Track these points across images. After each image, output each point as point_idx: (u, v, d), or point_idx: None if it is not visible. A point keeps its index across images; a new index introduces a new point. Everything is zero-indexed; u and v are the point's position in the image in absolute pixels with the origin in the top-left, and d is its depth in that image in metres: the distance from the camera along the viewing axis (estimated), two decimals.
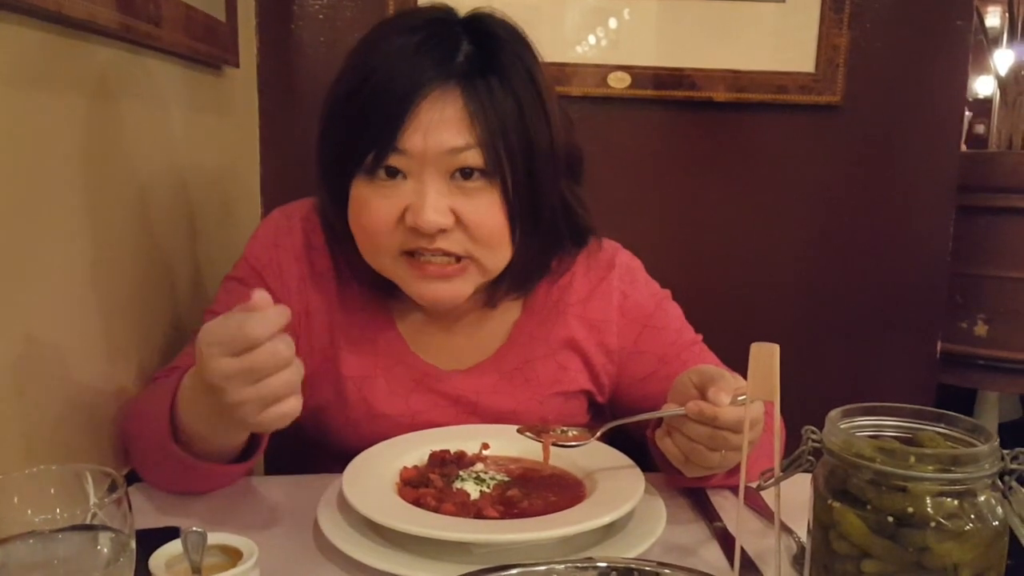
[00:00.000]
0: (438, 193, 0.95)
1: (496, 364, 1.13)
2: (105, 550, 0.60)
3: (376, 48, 0.98)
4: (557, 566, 0.73)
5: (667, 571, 0.72)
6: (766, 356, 0.71)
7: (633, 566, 0.72)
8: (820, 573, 0.70)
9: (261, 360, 0.76)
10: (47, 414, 0.91)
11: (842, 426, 0.70)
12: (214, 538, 0.71)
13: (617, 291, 1.14)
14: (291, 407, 0.79)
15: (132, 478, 1.01)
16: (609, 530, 0.87)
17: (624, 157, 1.80)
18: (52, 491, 0.62)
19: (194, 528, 0.67)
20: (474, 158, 0.95)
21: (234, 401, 0.78)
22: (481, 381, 1.12)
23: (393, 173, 0.96)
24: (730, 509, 0.98)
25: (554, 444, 0.93)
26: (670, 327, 1.16)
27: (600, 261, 1.16)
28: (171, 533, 0.90)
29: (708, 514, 0.97)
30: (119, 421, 1.04)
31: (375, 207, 0.97)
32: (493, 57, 0.97)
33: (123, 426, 1.04)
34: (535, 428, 0.95)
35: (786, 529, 0.91)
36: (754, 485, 0.77)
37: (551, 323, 1.13)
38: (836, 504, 0.67)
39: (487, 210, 0.97)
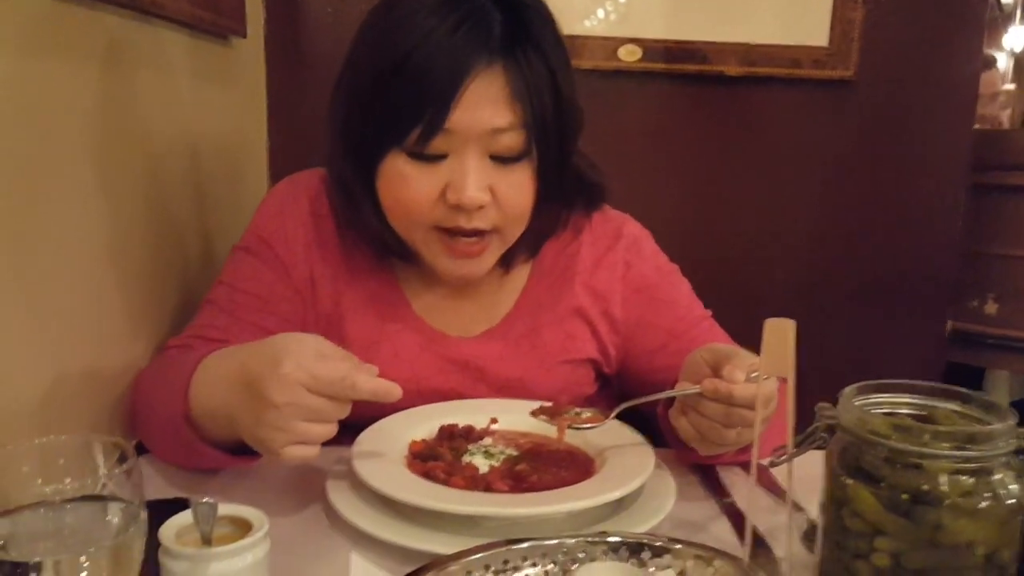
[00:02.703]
0: (479, 171, 0.96)
1: (503, 331, 1.12)
2: (115, 520, 0.60)
3: (409, 26, 0.95)
4: (568, 540, 0.73)
5: (678, 546, 0.72)
6: (781, 332, 0.70)
7: (644, 541, 0.72)
8: (832, 550, 0.69)
9: (336, 413, 0.81)
10: (58, 383, 0.91)
11: (856, 403, 0.70)
12: (224, 509, 0.71)
13: (622, 262, 1.14)
14: (313, 453, 0.82)
15: (142, 448, 1.01)
16: (619, 505, 0.87)
17: (634, 131, 1.78)
18: (61, 461, 0.62)
19: (205, 499, 0.67)
20: (514, 138, 0.96)
21: (275, 425, 0.79)
22: (488, 348, 1.12)
23: (435, 154, 0.96)
24: (740, 486, 0.98)
25: (569, 427, 0.93)
26: (679, 301, 1.16)
27: (607, 231, 1.16)
28: (181, 505, 0.90)
29: (718, 491, 0.96)
30: (129, 392, 1.04)
31: (415, 184, 0.97)
32: (526, 26, 0.97)
33: (132, 399, 1.04)
34: (549, 410, 0.95)
35: (797, 507, 0.91)
36: (766, 462, 0.77)
37: (558, 291, 1.13)
38: (850, 481, 0.67)
39: (520, 187, 0.99)
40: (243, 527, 0.71)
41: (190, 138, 1.31)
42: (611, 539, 0.72)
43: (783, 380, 0.71)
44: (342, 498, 0.86)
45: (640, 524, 0.83)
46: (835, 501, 0.69)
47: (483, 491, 0.85)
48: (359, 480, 0.85)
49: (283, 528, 0.83)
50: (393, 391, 0.81)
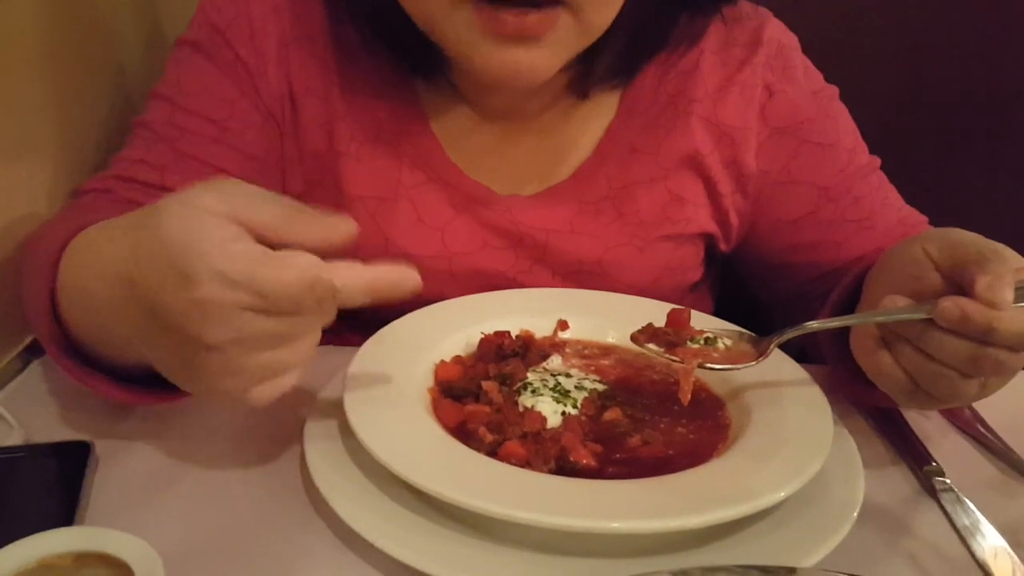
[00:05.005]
0: None
1: (577, 188, 0.77)
2: None
3: None
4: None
5: None
6: None
7: None
8: None
9: (313, 324, 0.47)
10: None
11: None
12: (93, 539, 0.38)
13: (761, 84, 0.76)
14: (289, 383, 0.49)
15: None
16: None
17: None
18: None
19: None
20: None
21: (221, 370, 0.46)
22: (554, 213, 0.76)
23: None
24: (940, 440, 0.65)
25: (702, 367, 0.57)
26: (840, 144, 0.78)
27: (740, 35, 0.77)
28: (80, 451, 0.59)
29: (910, 449, 0.63)
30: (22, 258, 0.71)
31: None
32: None
33: (22, 271, 0.70)
34: (662, 335, 0.59)
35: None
36: None
37: (664, 128, 0.76)
38: None
39: None
40: (120, 571, 0.38)
41: None
42: None
43: None
44: (327, 470, 0.53)
45: (818, 534, 0.50)
46: None
47: (555, 467, 0.52)
48: (354, 437, 0.52)
49: (239, 501, 0.53)
50: (406, 281, 0.47)
